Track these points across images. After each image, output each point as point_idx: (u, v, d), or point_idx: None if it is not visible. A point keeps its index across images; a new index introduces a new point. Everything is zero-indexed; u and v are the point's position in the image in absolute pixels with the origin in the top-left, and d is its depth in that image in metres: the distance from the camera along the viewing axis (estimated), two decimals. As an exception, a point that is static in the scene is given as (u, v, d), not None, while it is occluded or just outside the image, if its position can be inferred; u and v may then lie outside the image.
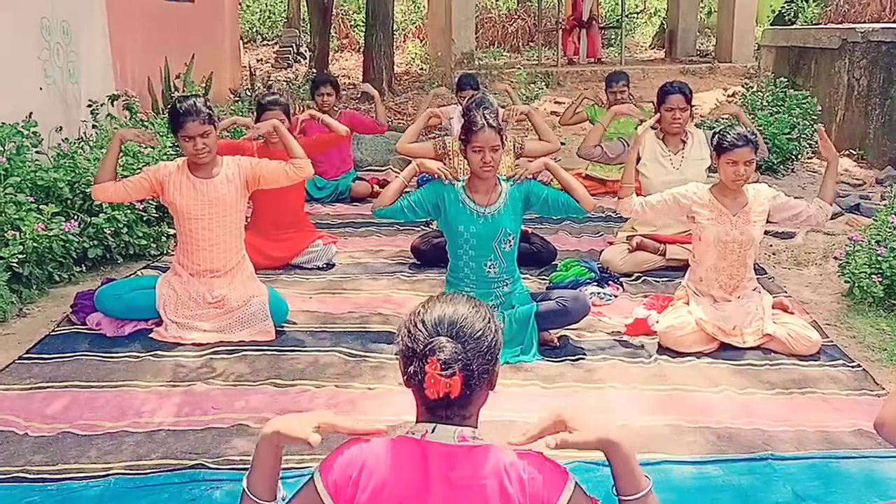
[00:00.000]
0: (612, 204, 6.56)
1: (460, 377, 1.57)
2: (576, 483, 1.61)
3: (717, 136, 3.85)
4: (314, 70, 12.25)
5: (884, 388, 3.43)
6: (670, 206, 3.98)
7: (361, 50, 12.92)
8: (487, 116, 3.68)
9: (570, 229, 5.96)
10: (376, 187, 6.97)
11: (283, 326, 4.03)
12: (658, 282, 4.80)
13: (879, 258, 4.23)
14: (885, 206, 4.81)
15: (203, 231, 3.94)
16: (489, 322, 1.67)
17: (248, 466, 1.70)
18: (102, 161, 3.98)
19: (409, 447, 1.62)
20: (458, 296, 1.74)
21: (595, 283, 4.63)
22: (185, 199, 3.90)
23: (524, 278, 4.63)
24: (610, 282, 4.69)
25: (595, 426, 1.61)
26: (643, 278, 4.86)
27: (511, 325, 3.81)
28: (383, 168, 7.95)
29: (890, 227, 4.41)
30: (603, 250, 5.20)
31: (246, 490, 1.66)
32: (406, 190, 3.90)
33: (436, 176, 3.84)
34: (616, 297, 4.57)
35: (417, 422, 1.67)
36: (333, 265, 5.10)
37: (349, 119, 6.63)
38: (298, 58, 15.04)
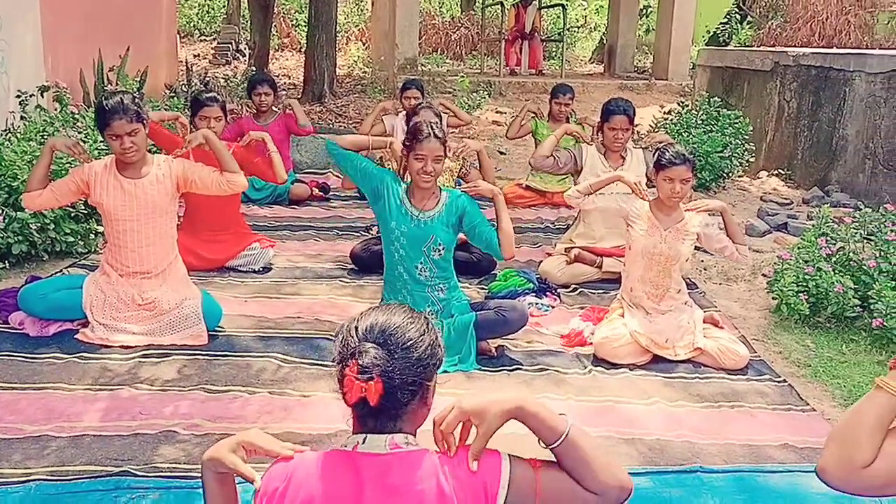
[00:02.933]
0: (550, 215, 6.68)
1: (378, 383, 1.55)
2: (510, 457, 1.60)
3: (656, 154, 3.94)
4: (253, 68, 12.08)
5: (808, 404, 3.54)
6: (616, 204, 4.11)
7: (303, 50, 12.78)
8: (433, 126, 3.70)
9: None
10: (315, 190, 6.91)
11: (216, 331, 3.94)
12: (594, 293, 4.87)
13: (806, 276, 4.37)
14: (812, 225, 4.97)
15: (132, 233, 3.83)
16: (425, 335, 1.65)
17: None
18: (33, 169, 3.85)
19: (340, 459, 1.61)
20: (400, 306, 1.73)
21: (533, 294, 4.66)
22: (113, 201, 3.78)
23: (463, 287, 4.64)
24: (548, 293, 4.73)
25: (494, 405, 1.60)
26: (580, 290, 4.92)
27: (449, 333, 3.81)
28: (323, 171, 7.88)
29: (817, 248, 4.56)
30: (542, 261, 5.24)
31: None
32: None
33: (397, 160, 3.92)
34: (553, 307, 4.62)
35: (353, 433, 1.65)
36: (270, 269, 5.01)
37: (284, 123, 6.57)
38: (237, 55, 14.80)
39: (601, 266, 5.03)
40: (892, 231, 4.45)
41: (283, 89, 11.36)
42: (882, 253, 4.37)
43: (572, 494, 1.61)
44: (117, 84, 7.27)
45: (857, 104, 6.85)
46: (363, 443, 1.61)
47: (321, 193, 6.90)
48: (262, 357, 3.71)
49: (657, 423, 3.32)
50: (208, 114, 4.90)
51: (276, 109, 6.79)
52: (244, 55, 14.53)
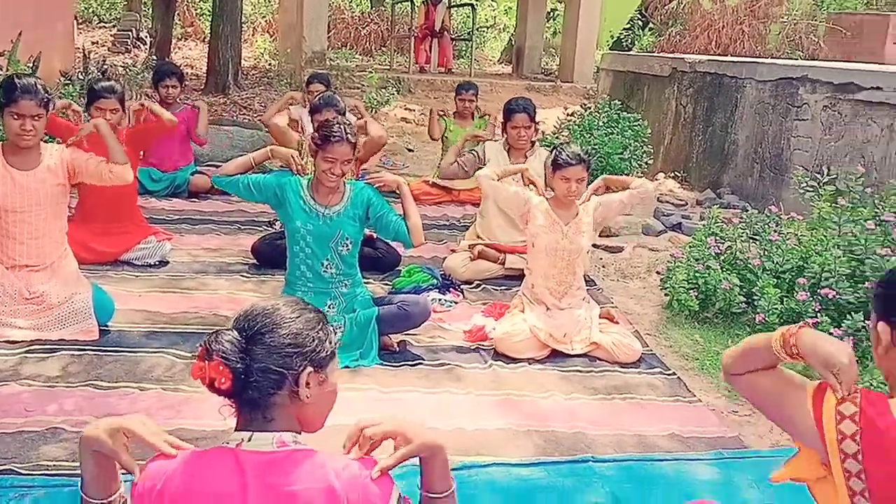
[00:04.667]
0: (456, 212, 6.74)
1: (218, 364, 1.55)
2: (400, 493, 1.62)
3: (552, 153, 4.04)
4: (155, 57, 11.70)
5: (695, 395, 3.69)
6: (516, 194, 4.18)
7: (207, 40, 12.47)
8: (347, 130, 3.68)
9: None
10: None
11: (107, 326, 3.81)
12: (497, 290, 4.94)
13: (696, 274, 4.56)
14: (703, 226, 5.18)
15: (21, 224, 3.67)
16: (294, 323, 1.62)
17: (62, 472, 1.64)
18: None
19: (223, 457, 1.58)
20: (289, 298, 1.73)
21: (437, 290, 4.70)
22: (1, 189, 3.62)
23: (367, 283, 4.63)
24: (451, 289, 4.78)
25: (425, 436, 1.67)
26: (483, 286, 4.99)
27: (351, 328, 3.81)
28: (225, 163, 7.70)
29: (707, 247, 4.75)
30: (446, 258, 5.29)
31: (80, 489, 1.67)
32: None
33: (285, 164, 3.84)
34: (456, 303, 4.66)
35: (235, 430, 1.63)
36: (167, 263, 4.88)
37: (188, 116, 6.39)
38: (138, 43, 14.31)
39: (504, 262, 5.11)
40: (774, 231, 4.68)
41: (188, 80, 11.05)
42: (766, 252, 4.59)
43: None
44: (8, 69, 6.92)
45: (747, 110, 7.18)
46: (249, 440, 1.59)
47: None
48: (154, 353, 3.61)
49: (553, 416, 3.41)
50: (104, 105, 4.72)
51: (180, 101, 6.61)
52: (145, 43, 14.07)
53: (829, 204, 4.79)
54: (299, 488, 1.54)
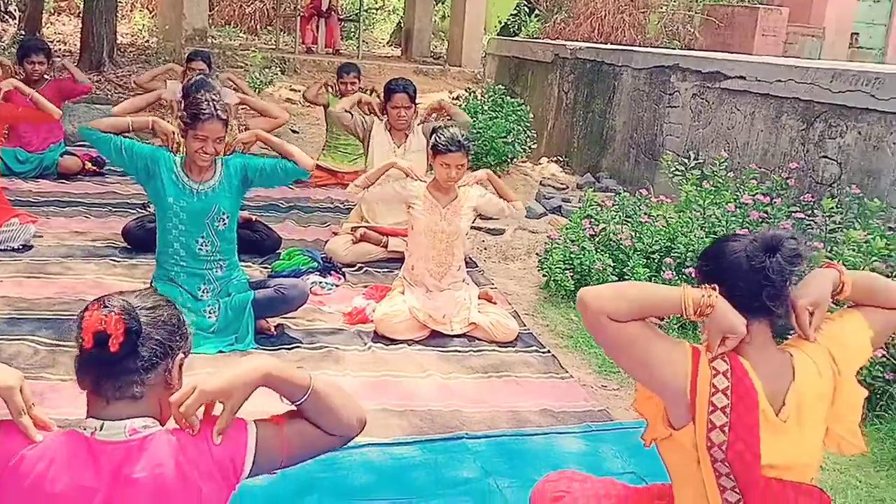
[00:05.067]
0: (340, 195, 6.69)
1: (120, 321, 1.52)
2: (252, 422, 1.61)
3: (433, 138, 4.07)
4: (24, 32, 11.06)
5: (567, 372, 3.82)
6: (393, 192, 4.17)
7: (80, 15, 11.86)
8: (217, 107, 3.58)
9: (297, 218, 5.95)
10: (88, 164, 6.47)
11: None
12: (379, 272, 4.95)
13: (572, 255, 4.70)
14: (579, 208, 5.34)
15: None
16: (178, 312, 1.68)
17: None
18: None
19: (79, 442, 1.55)
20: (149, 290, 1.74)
21: (317, 273, 4.67)
22: None
23: (246, 267, 4.56)
24: (332, 272, 4.76)
25: (238, 381, 1.60)
26: (365, 269, 4.99)
27: (226, 312, 3.75)
28: (99, 144, 7.38)
29: (582, 229, 4.91)
30: (328, 241, 5.26)
31: None
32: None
33: (162, 139, 3.73)
34: (337, 286, 4.65)
35: (88, 415, 1.59)
36: (31, 247, 4.65)
37: (57, 87, 6.10)
38: (6, 17, 13.46)
39: (387, 245, 5.13)
40: (645, 214, 4.88)
41: (59, 56, 10.50)
42: (637, 233, 4.78)
43: (315, 440, 1.68)
44: None
45: (624, 97, 7.43)
46: (101, 429, 1.55)
47: (94, 168, 6.47)
48: (16, 340, 3.46)
49: (430, 395, 3.46)
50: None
51: (47, 77, 6.28)
52: (14, 17, 13.25)
53: (695, 188, 5.03)
54: (150, 476, 1.52)
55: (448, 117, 5.46)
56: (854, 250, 3.96)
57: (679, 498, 2.02)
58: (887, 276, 3.74)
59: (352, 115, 5.29)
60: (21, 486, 1.50)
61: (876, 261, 3.87)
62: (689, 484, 1.97)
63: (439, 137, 4.01)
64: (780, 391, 1.92)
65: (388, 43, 17.28)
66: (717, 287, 1.90)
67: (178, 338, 1.65)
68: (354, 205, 5.81)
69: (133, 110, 3.91)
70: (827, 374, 1.98)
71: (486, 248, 5.55)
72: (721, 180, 5.09)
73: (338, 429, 1.68)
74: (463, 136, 4.05)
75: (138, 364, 1.57)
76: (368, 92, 6.66)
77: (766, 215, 4.59)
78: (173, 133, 3.88)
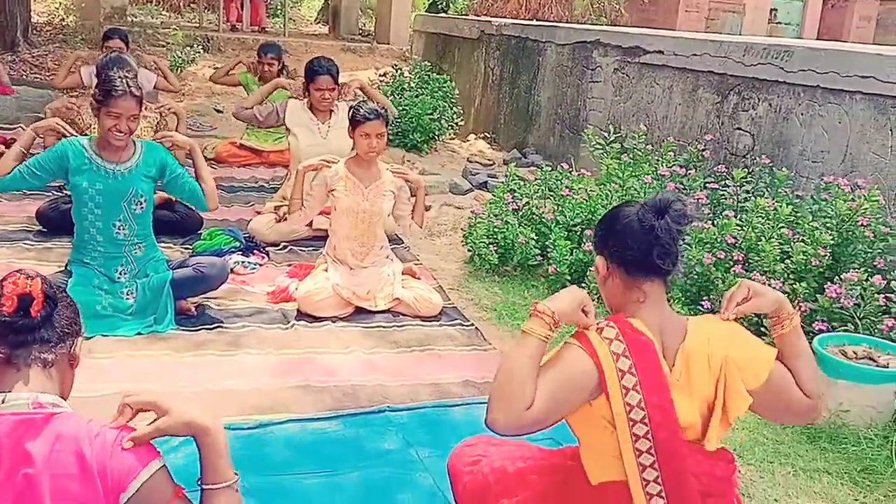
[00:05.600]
0: (265, 174, 6.61)
1: (43, 283, 1.59)
2: (163, 465, 1.56)
3: (351, 111, 4.06)
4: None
5: (490, 343, 3.87)
6: (321, 193, 4.12)
7: (-9, -9, 11.37)
8: (130, 84, 3.50)
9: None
10: (2, 147, 6.23)
11: None
12: (304, 251, 4.92)
13: (496, 229, 4.75)
14: (503, 183, 5.39)
15: None
16: (69, 298, 1.72)
17: None
18: None
19: None
20: None
21: (240, 252, 4.62)
22: None
23: (167, 247, 4.50)
24: (255, 251, 4.71)
25: (179, 409, 1.57)
26: (289, 247, 4.95)
27: (144, 293, 3.69)
28: (13, 126, 7.12)
29: (505, 203, 4.96)
30: (251, 220, 5.19)
31: None
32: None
33: (55, 134, 3.61)
34: (261, 265, 4.61)
35: None
36: (-63, 234, 4.49)
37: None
38: None
39: (311, 224, 5.08)
40: (567, 187, 4.96)
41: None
42: (559, 207, 4.86)
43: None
44: None
45: (548, 73, 7.50)
46: (2, 402, 1.52)
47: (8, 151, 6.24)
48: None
49: (353, 370, 3.47)
50: None
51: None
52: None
53: (615, 161, 5.13)
54: (51, 450, 1.50)
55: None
56: (762, 217, 4.11)
57: (588, 465, 2.05)
58: (790, 242, 3.90)
59: (251, 109, 5.24)
60: None
61: (783, 227, 4.02)
62: (600, 450, 2.02)
63: (357, 110, 4.01)
64: (671, 349, 1.99)
65: (315, 20, 17.06)
66: (605, 256, 1.97)
67: (79, 322, 1.72)
68: (280, 185, 5.76)
69: (15, 161, 3.67)
70: (717, 349, 2.02)
71: (411, 225, 5.55)
72: (640, 153, 5.20)
73: None
74: (380, 105, 4.06)
75: (52, 334, 1.62)
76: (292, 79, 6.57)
77: (682, 186, 4.72)
78: (57, 123, 3.77)
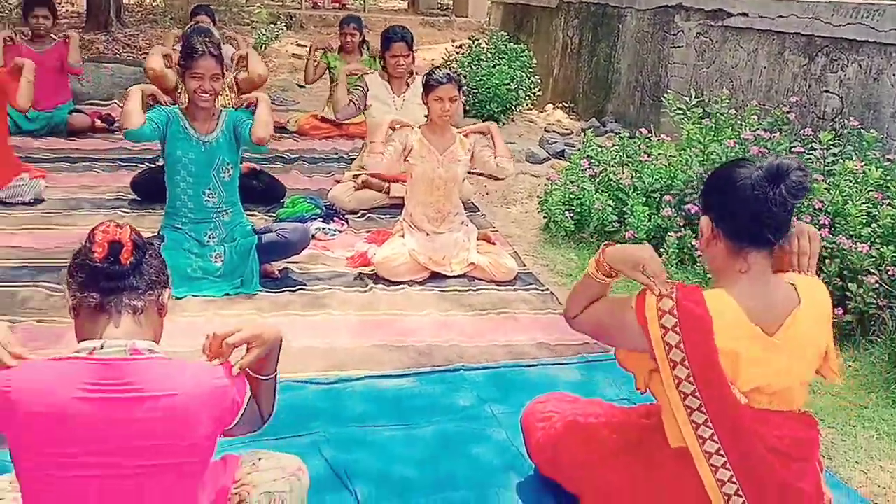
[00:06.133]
0: (345, 146, 6.74)
1: (133, 231, 1.68)
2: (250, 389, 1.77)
3: (424, 77, 4.11)
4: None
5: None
6: (399, 152, 4.16)
7: (87, -25, 11.83)
8: (209, 45, 3.64)
9: (302, 169, 6.01)
10: (98, 122, 6.55)
11: (-25, 263, 3.73)
12: (382, 218, 5.00)
13: (572, 196, 4.74)
14: (579, 150, 5.36)
15: None
16: (157, 252, 1.81)
17: None
18: None
19: (73, 366, 1.59)
20: None
21: (321, 219, 4.74)
22: None
23: (252, 215, 4.65)
24: (335, 218, 4.83)
25: (271, 332, 1.79)
26: (368, 215, 5.05)
27: (232, 257, 3.84)
28: (107, 102, 7.45)
29: (581, 170, 4.94)
30: (331, 188, 5.31)
31: None
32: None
33: (153, 101, 3.79)
34: (340, 232, 4.72)
35: (81, 341, 1.65)
36: (42, 200, 4.76)
37: (61, 50, 6.15)
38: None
39: (389, 192, 5.18)
40: (645, 153, 4.90)
41: (66, 18, 10.54)
42: (636, 173, 4.81)
43: (252, 418, 1.85)
44: None
45: (628, 40, 7.38)
46: (101, 348, 1.60)
47: (104, 125, 6.55)
48: (28, 286, 3.57)
49: (429, 332, 3.54)
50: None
51: (54, 37, 6.34)
52: (19, -22, 13.25)
53: (696, 126, 5.03)
54: (154, 394, 1.59)
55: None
56: (850, 181, 3.98)
57: (668, 425, 2.06)
58: (878, 205, 3.77)
59: (353, 103, 5.24)
60: (19, 415, 1.55)
61: (871, 191, 3.89)
62: (673, 416, 2.03)
63: (430, 75, 4.04)
64: (779, 315, 1.93)
65: (395, -4, 17.09)
66: (712, 218, 1.97)
67: (166, 273, 1.80)
68: (357, 154, 5.87)
69: (142, 113, 3.83)
70: (824, 308, 2.01)
71: (487, 193, 5.60)
72: (723, 118, 5.08)
73: (267, 414, 1.90)
74: (453, 70, 4.08)
75: (141, 282, 1.68)
76: (376, 58, 6.53)
77: (765, 150, 4.60)
78: (154, 92, 3.93)
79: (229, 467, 2.12)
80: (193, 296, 3.68)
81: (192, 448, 1.64)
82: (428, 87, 4.03)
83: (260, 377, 1.81)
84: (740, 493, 1.92)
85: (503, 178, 4.62)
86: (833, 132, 4.51)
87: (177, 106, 3.80)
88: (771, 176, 1.83)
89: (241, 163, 4.20)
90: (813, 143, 4.58)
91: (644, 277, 1.92)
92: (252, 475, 2.10)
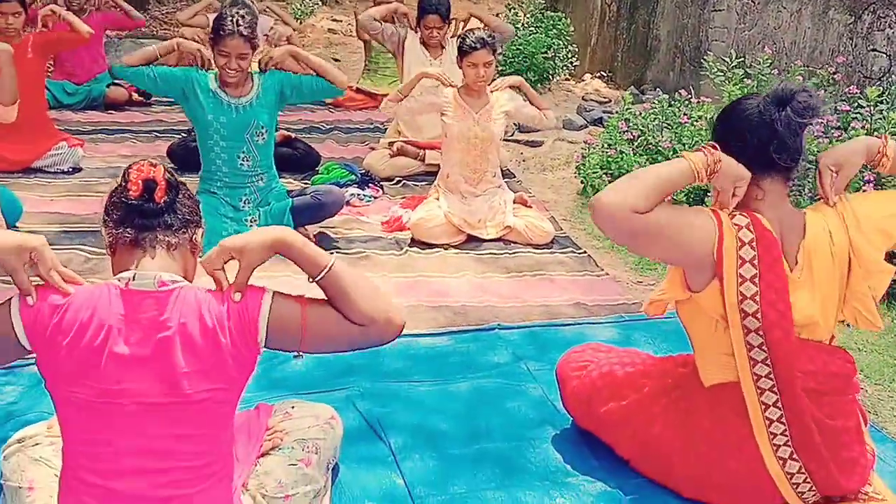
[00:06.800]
0: (380, 116, 6.70)
1: (166, 171, 1.68)
2: (274, 293, 1.68)
3: (458, 41, 4.06)
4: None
5: (602, 269, 3.83)
6: (425, 101, 4.18)
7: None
8: (240, 23, 3.61)
9: (337, 138, 6.00)
10: (135, 94, 6.60)
11: (16, 227, 3.76)
12: (417, 185, 4.97)
13: (609, 159, 4.66)
14: (617, 113, 5.27)
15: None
16: (190, 192, 1.80)
17: None
18: None
19: (113, 293, 1.63)
20: None
21: (356, 185, 4.73)
22: None
23: (286, 183, 4.64)
24: (370, 184, 4.81)
25: (254, 239, 1.68)
26: (403, 182, 5.02)
27: (266, 221, 3.84)
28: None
29: (620, 132, 4.85)
30: (367, 156, 5.30)
31: None
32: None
33: (194, 58, 3.77)
34: (376, 198, 4.70)
35: (116, 272, 1.68)
36: (80, 169, 4.81)
37: (100, 19, 6.19)
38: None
39: (424, 159, 5.14)
40: (684, 114, 4.79)
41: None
42: (676, 135, 4.71)
43: (338, 326, 1.67)
44: None
45: (668, 5, 7.22)
46: (133, 280, 1.64)
47: (141, 98, 6.60)
48: (68, 248, 3.62)
49: (464, 293, 3.52)
50: (5, 9, 4.56)
51: (87, 7, 6.39)
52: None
53: (737, 87, 4.90)
54: (175, 324, 1.61)
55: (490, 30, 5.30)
56: (898, 135, 3.84)
57: (701, 365, 2.04)
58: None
59: (381, 24, 5.26)
60: (54, 338, 1.59)
61: (921, 146, 3.75)
62: (712, 348, 1.99)
63: (464, 40, 4.00)
64: (793, 247, 1.92)
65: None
66: (717, 146, 1.90)
67: (199, 213, 1.79)
68: (392, 124, 5.83)
69: (142, 60, 3.85)
70: (839, 240, 1.95)
71: (524, 160, 5.54)
72: (765, 79, 4.94)
73: (360, 317, 1.65)
74: (487, 34, 4.03)
75: (175, 219, 1.70)
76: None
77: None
78: (199, 51, 3.89)
79: (262, 416, 2.13)
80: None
81: (224, 374, 1.64)
82: (462, 53, 3.99)
83: (314, 280, 1.68)
84: (786, 432, 1.88)
85: (544, 130, 4.53)
86: (880, 89, 4.35)
87: (213, 70, 3.79)
88: (777, 100, 1.86)
89: (277, 130, 4.21)
90: (860, 101, 4.43)
91: (728, 194, 1.89)
92: (285, 422, 2.10)
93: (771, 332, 1.88)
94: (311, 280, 1.69)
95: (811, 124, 1.92)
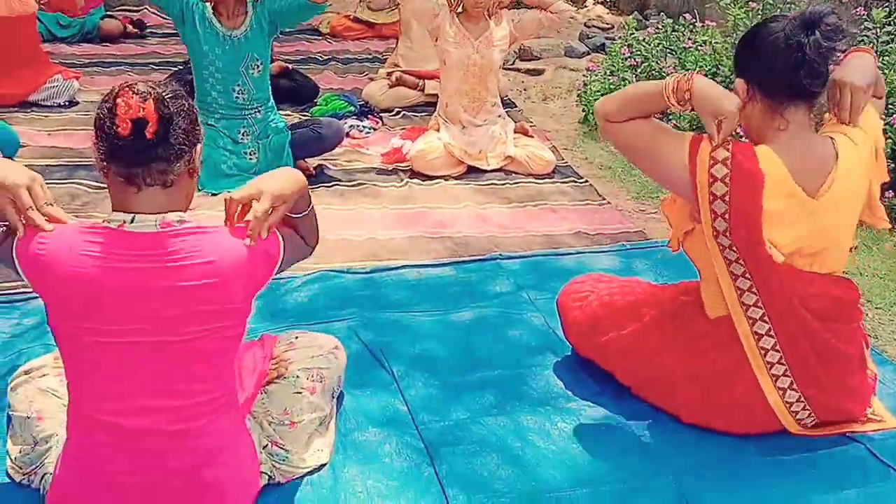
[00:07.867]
0: (379, 46, 6.60)
1: (155, 103, 1.52)
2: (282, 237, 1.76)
3: None
4: None
5: (604, 199, 3.82)
6: (427, 4, 4.06)
7: None
8: None
9: (335, 69, 5.91)
10: (129, 27, 6.49)
11: (12, 160, 3.73)
12: (417, 116, 4.91)
13: (612, 87, 4.59)
14: (620, 38, 5.17)
15: None
16: (186, 102, 1.64)
17: None
18: None
19: (106, 235, 1.58)
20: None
21: (355, 117, 4.68)
22: None
23: (285, 115, 4.59)
24: (369, 115, 4.76)
25: (294, 185, 1.75)
26: (402, 113, 4.96)
27: (265, 154, 3.82)
28: (138, 7, 7.34)
29: (622, 58, 4.77)
30: (365, 87, 5.22)
31: None
32: None
33: None
34: (375, 130, 4.66)
35: (114, 210, 1.62)
36: (77, 103, 4.76)
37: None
38: None
39: (423, 89, 5.07)
40: (689, 39, 4.70)
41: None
42: (680, 60, 4.63)
43: (297, 248, 1.87)
44: None
45: (672, -74, 7.01)
46: (131, 222, 1.58)
47: (136, 30, 6.49)
48: (66, 183, 3.61)
49: (465, 223, 3.52)
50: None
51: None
52: None
53: (742, 10, 4.80)
54: (189, 263, 1.59)
55: None
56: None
57: (706, 295, 2.04)
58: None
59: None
60: (55, 281, 1.57)
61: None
62: (713, 278, 1.99)
63: None
64: (820, 174, 1.88)
65: None
66: (746, 79, 1.87)
67: (197, 126, 1.66)
68: (391, 54, 5.73)
69: None
70: (868, 159, 1.95)
71: (525, 89, 5.46)
72: (770, 1, 4.83)
73: (315, 241, 1.94)
74: None
75: (169, 152, 1.57)
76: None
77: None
78: None
79: (266, 347, 2.14)
80: (229, 192, 3.66)
81: (232, 311, 1.65)
82: (460, -24, 3.89)
83: (295, 216, 1.82)
84: (783, 360, 1.89)
85: (558, 24, 4.31)
86: (887, 11, 4.26)
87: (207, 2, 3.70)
88: (805, 24, 1.81)
89: (272, 61, 4.14)
90: (866, 23, 4.34)
91: (712, 126, 1.85)
92: (289, 352, 2.12)
93: (749, 262, 1.88)
94: (296, 214, 1.82)
95: (840, 49, 1.86)
